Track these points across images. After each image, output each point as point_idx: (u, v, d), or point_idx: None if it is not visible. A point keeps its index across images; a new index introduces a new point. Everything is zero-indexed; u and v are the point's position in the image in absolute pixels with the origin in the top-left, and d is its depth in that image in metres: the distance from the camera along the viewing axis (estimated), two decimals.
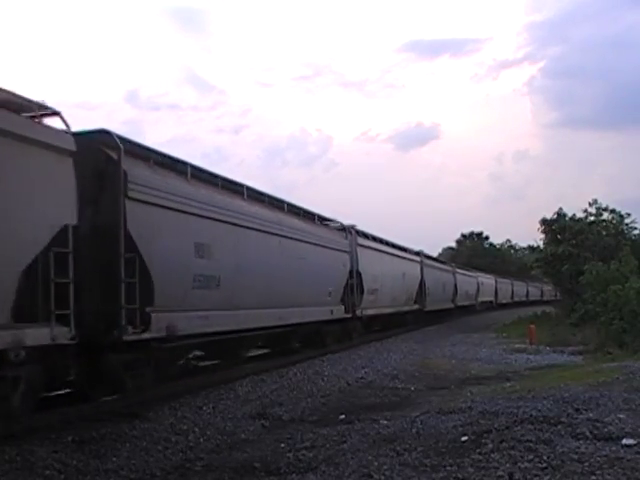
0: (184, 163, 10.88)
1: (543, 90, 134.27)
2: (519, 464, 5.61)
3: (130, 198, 8.74)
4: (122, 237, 8.54)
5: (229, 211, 11.65)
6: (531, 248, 42.74)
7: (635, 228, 30.64)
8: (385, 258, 23.55)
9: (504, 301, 55.63)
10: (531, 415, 7.41)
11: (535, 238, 34.43)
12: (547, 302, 53.42)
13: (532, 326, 22.79)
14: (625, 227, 30.55)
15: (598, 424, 6.84)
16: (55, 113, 7.97)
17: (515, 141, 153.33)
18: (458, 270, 40.38)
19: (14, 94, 7.35)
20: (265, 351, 15.71)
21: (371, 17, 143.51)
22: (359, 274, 19.85)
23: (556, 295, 46.30)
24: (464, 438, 6.67)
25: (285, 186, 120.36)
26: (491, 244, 79.11)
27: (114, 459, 6.72)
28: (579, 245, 28.75)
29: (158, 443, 7.42)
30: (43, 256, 7.24)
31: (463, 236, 78.10)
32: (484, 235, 78.19)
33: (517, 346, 20.15)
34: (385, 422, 8.09)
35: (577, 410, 7.64)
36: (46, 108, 7.88)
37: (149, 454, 7.01)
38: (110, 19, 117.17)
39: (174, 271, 9.72)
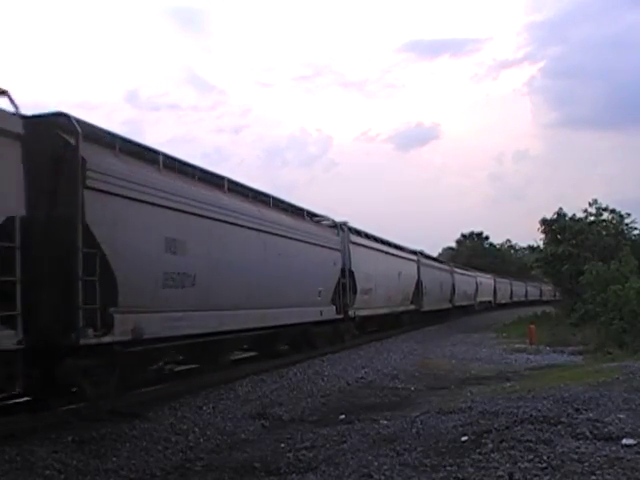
0: (156, 152, 10.08)
1: (543, 90, 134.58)
2: (519, 464, 5.61)
3: (89, 188, 7.96)
4: (80, 230, 7.75)
5: (207, 204, 10.79)
6: (531, 248, 42.80)
7: (635, 228, 30.75)
8: (380, 256, 22.89)
9: (503, 301, 55.50)
10: (531, 415, 7.41)
11: (535, 238, 34.55)
12: (546, 302, 53.40)
13: (532, 326, 22.79)
14: (625, 227, 30.60)
15: (598, 424, 6.83)
16: (2, 92, 7.26)
17: (515, 141, 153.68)
18: (456, 270, 40.10)
19: None
20: (252, 354, 15.02)
21: (371, 17, 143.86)
22: (352, 273, 19.12)
23: (555, 295, 46.36)
24: (464, 438, 6.66)
25: (285, 186, 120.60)
26: (491, 244, 79.21)
27: (114, 459, 6.72)
28: (579, 245, 28.77)
29: (158, 443, 7.42)
30: None
31: (463, 236, 78.17)
32: (484, 235, 78.39)
33: (517, 346, 20.15)
34: (385, 422, 8.09)
35: (577, 410, 7.64)
36: None
37: (149, 454, 7.01)
38: (110, 19, 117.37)
39: (141, 268, 8.96)
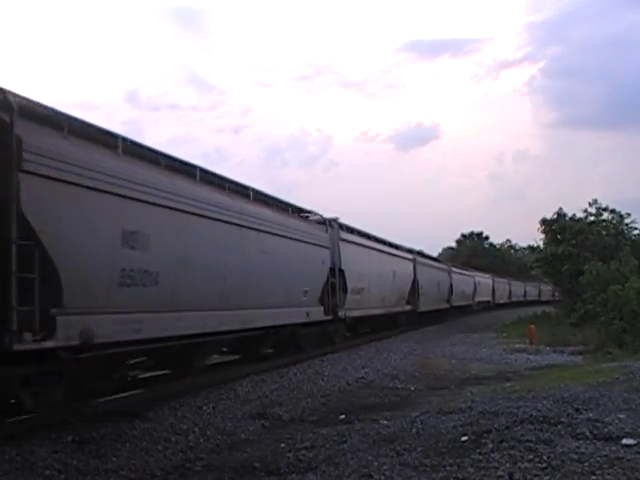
0: (114, 135, 9.08)
1: (543, 90, 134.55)
2: (519, 464, 5.61)
3: (26, 172, 6.92)
4: (14, 220, 6.74)
5: (175, 195, 9.67)
6: (531, 248, 42.74)
7: (635, 228, 30.72)
8: (373, 255, 21.81)
9: (501, 301, 55.30)
10: (531, 415, 7.41)
11: (535, 238, 34.46)
12: (545, 302, 53.36)
13: (532, 326, 22.77)
14: (625, 227, 30.58)
15: (598, 424, 6.84)
16: None
17: (515, 141, 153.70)
18: (454, 269, 39.67)
19: None
20: (234, 357, 14.18)
21: (371, 17, 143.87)
22: (342, 272, 17.91)
23: (554, 295, 46.35)
24: (464, 438, 6.67)
25: (285, 186, 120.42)
26: (491, 244, 79.28)
27: (114, 459, 6.72)
28: (579, 245, 28.75)
29: (158, 443, 7.42)
30: None
31: (463, 236, 78.20)
32: (484, 235, 78.45)
33: (517, 346, 20.14)
34: (385, 422, 8.09)
35: (577, 410, 7.64)
36: None
37: (149, 454, 7.01)
38: (110, 19, 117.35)
39: (92, 265, 7.92)
